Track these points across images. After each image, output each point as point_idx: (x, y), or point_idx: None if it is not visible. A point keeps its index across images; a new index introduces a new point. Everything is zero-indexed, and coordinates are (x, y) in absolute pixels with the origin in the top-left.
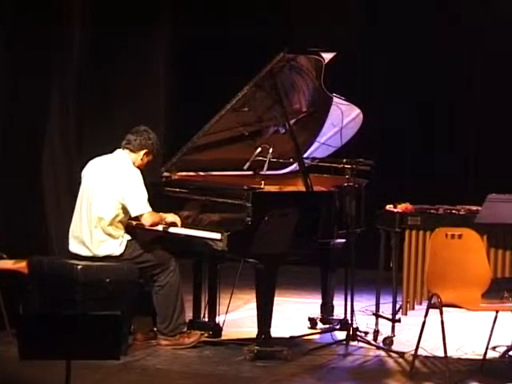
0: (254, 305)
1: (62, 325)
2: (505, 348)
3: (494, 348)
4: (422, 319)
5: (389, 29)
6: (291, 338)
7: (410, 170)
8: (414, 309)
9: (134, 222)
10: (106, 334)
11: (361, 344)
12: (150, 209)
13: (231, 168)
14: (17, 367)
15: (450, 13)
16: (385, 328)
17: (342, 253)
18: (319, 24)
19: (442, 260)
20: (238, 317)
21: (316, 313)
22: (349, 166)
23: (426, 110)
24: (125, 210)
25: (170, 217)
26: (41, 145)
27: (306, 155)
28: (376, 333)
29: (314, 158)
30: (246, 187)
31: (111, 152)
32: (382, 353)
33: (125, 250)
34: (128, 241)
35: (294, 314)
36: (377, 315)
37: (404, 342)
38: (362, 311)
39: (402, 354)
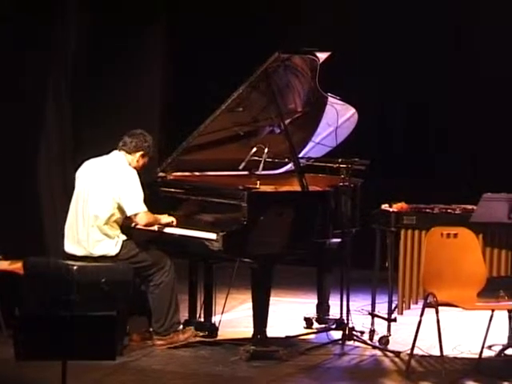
0: (249, 305)
1: (58, 325)
2: (500, 347)
3: (489, 347)
4: (418, 318)
5: (389, 29)
6: (287, 337)
7: (406, 170)
8: (409, 308)
9: (131, 222)
10: (102, 335)
11: (357, 343)
12: (145, 208)
13: (226, 168)
14: (13, 368)
15: (450, 13)
16: (381, 327)
17: (337, 252)
18: (319, 24)
19: (437, 259)
20: (233, 317)
21: (312, 312)
22: (344, 166)
23: (422, 110)
24: (120, 209)
25: (165, 218)
26: (36, 145)
27: (301, 155)
28: (372, 332)
29: (309, 158)
30: (241, 187)
31: (107, 153)
32: (378, 352)
33: (120, 250)
34: (123, 241)
35: (290, 313)
36: (373, 315)
37: (400, 341)
38: (358, 311)
39: (397, 354)
